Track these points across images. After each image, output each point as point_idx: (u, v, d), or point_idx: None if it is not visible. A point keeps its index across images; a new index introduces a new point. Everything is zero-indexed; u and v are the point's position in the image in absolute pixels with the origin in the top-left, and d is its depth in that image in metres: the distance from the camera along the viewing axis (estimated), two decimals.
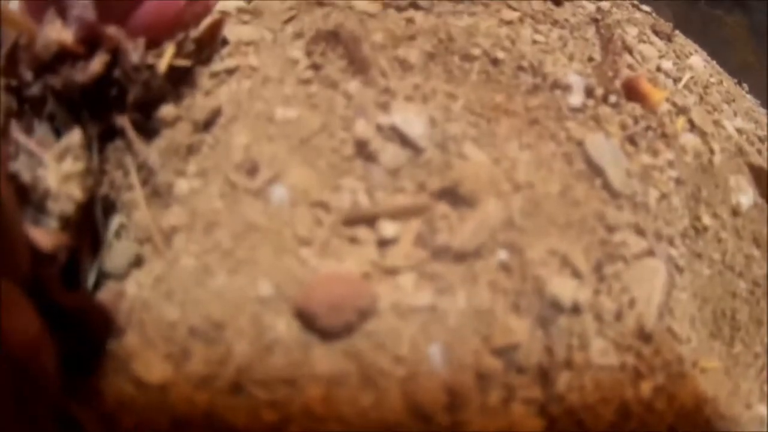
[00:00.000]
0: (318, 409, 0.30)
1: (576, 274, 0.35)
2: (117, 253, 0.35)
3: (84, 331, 0.33)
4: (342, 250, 0.33)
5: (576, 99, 0.42)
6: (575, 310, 0.35)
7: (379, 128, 0.37)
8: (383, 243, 0.34)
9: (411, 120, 0.37)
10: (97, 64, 0.37)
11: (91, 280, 0.35)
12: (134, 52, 0.37)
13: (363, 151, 0.36)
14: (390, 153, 0.36)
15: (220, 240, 0.33)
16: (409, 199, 0.35)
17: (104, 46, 0.37)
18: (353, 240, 0.34)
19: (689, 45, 0.51)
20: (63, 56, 0.37)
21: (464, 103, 0.40)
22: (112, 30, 0.36)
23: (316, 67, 0.39)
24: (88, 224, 0.36)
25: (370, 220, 0.34)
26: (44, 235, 0.32)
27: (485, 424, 0.32)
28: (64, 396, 0.32)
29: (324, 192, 0.35)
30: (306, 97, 0.38)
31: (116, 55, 0.37)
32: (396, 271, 0.33)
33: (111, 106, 0.37)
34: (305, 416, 0.30)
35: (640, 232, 0.38)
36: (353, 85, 0.39)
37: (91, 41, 0.37)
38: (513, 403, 0.32)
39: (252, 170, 0.35)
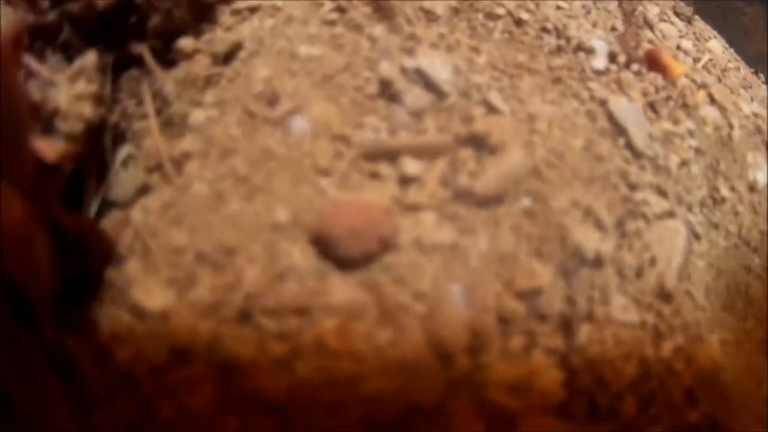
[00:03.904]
0: (331, 343, 0.26)
1: (599, 226, 0.31)
2: (123, 181, 0.31)
3: (82, 257, 0.28)
4: (362, 184, 0.29)
5: (599, 62, 0.38)
6: (597, 262, 0.31)
7: (404, 70, 0.33)
8: (405, 180, 0.30)
9: (436, 65, 0.33)
10: None
11: (93, 208, 0.31)
12: None
13: (386, 91, 0.32)
14: (414, 95, 0.32)
15: (235, 166, 0.29)
16: (430, 139, 0.31)
17: None
18: (374, 175, 0.30)
19: (708, 30, 0.48)
20: None
21: (488, 58, 0.36)
22: None
23: (341, 9, 0.35)
24: (96, 152, 0.32)
25: (392, 156, 0.30)
26: (48, 145, 0.27)
27: (505, 371, 0.27)
28: (57, 322, 0.28)
29: (346, 127, 0.31)
30: (330, 37, 0.34)
31: None
32: (418, 207, 0.29)
33: (129, 34, 0.33)
34: (316, 350, 0.26)
35: (661, 193, 0.34)
36: (378, 30, 0.35)
37: None
38: (534, 351, 0.28)
39: (272, 100, 0.31)
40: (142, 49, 0.32)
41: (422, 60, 0.33)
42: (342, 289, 0.26)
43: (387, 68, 0.33)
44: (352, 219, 0.27)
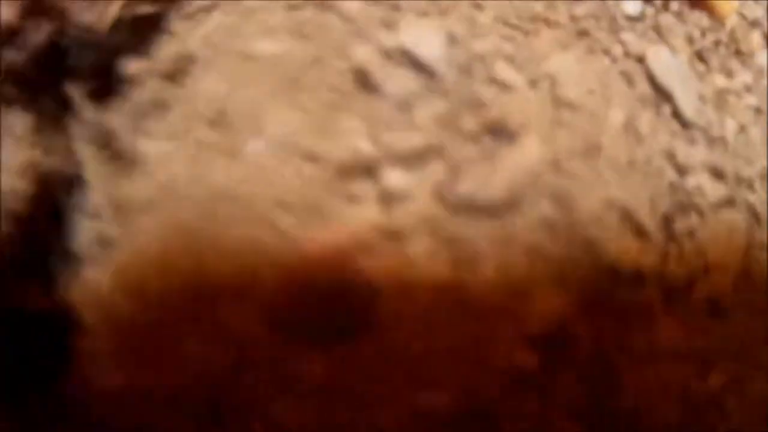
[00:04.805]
0: None
1: (640, 232, 0.25)
2: (82, 232, 0.27)
3: (46, 330, 0.25)
4: (334, 212, 0.24)
5: (632, 6, 0.30)
6: (637, 280, 0.24)
7: (385, 52, 0.26)
8: (388, 198, 0.24)
9: (424, 38, 0.27)
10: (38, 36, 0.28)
11: (57, 264, 0.27)
12: (83, 11, 0.28)
13: (365, 82, 0.26)
14: (399, 82, 0.26)
15: (184, 220, 0.24)
16: (423, 138, 0.25)
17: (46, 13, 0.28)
18: (350, 198, 0.24)
19: None
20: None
21: (495, 13, 0.28)
22: None
23: None
24: (49, 208, 0.28)
25: (372, 169, 0.24)
26: None
27: None
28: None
29: (315, 140, 0.25)
30: (295, 25, 0.28)
31: (62, 19, 0.28)
32: (404, 235, 0.23)
33: (65, 74, 0.28)
34: None
35: (718, 174, 0.27)
36: (354, 5, 0.28)
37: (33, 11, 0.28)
38: (552, 412, 0.23)
39: (224, 123, 0.25)
40: (71, 91, 0.27)
41: (406, 35, 0.27)
42: (310, 376, 0.22)
43: (363, 53, 0.27)
44: (316, 288, 0.22)
